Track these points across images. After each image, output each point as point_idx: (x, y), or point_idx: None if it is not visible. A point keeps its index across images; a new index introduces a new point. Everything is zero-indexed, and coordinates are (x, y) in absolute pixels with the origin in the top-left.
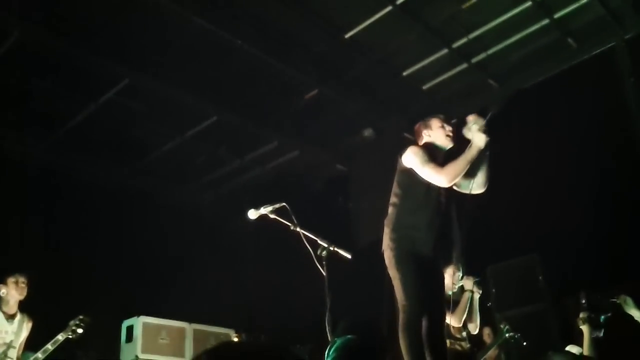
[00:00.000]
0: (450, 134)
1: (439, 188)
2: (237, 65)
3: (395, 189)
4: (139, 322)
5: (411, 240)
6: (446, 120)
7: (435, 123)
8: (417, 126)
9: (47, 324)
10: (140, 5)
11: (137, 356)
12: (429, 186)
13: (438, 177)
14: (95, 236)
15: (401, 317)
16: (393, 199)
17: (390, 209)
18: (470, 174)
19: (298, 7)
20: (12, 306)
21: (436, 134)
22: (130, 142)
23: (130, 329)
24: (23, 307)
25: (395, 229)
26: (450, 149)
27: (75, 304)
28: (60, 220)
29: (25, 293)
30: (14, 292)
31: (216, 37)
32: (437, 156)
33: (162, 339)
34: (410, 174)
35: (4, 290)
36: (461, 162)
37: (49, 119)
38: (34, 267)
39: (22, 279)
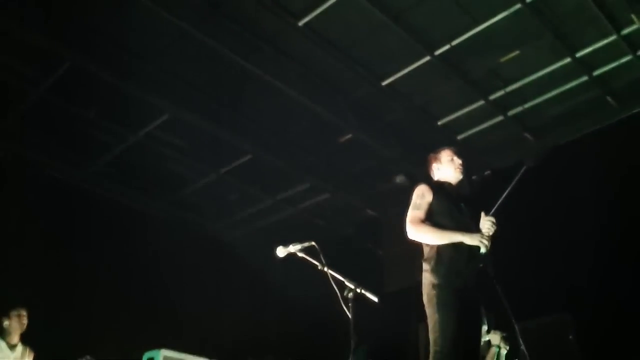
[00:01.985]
0: (460, 167)
1: (466, 221)
2: (276, 105)
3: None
4: (160, 356)
5: (454, 278)
6: (457, 152)
7: (445, 156)
8: (429, 157)
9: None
10: (185, 42)
11: None
12: (457, 221)
13: (409, 226)
14: (125, 265)
15: None
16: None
17: (427, 248)
18: None
19: (339, 52)
20: (14, 337)
21: (445, 167)
22: (166, 176)
23: None
24: (47, 337)
25: (437, 266)
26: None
27: (100, 333)
28: (91, 248)
29: (25, 325)
30: (15, 324)
31: (258, 78)
32: (445, 191)
33: None
34: (432, 211)
35: (6, 322)
36: (439, 235)
37: (91, 149)
38: (62, 294)
39: (23, 313)
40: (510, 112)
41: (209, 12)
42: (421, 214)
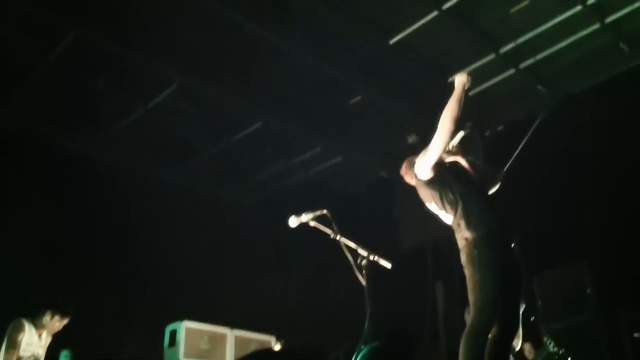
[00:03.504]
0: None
1: (478, 179)
2: (284, 68)
3: (442, 197)
4: (182, 327)
5: (490, 237)
6: None
7: None
8: None
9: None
10: (192, 9)
11: None
12: (468, 179)
13: (441, 131)
14: (139, 236)
15: (470, 323)
16: (448, 207)
17: (453, 213)
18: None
19: (345, 10)
20: (43, 331)
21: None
22: (177, 143)
23: (173, 334)
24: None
25: (471, 228)
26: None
27: (118, 307)
28: (103, 220)
29: (58, 330)
30: (51, 326)
31: (264, 41)
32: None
33: (204, 344)
34: (442, 177)
35: (47, 318)
36: (450, 103)
37: (100, 118)
38: (80, 266)
39: (64, 322)
40: (522, 65)
41: None
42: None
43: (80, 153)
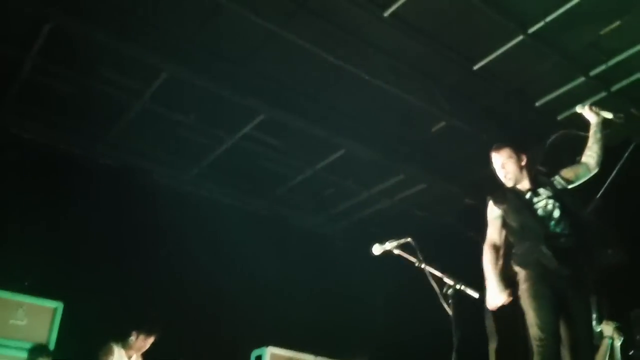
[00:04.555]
0: (505, 175)
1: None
2: (367, 98)
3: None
4: (268, 352)
5: (530, 263)
6: (493, 152)
7: (492, 161)
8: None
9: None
10: (272, 42)
11: None
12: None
13: (484, 247)
14: (229, 264)
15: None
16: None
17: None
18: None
19: (428, 39)
20: (132, 352)
21: (497, 173)
22: (263, 174)
23: (258, 359)
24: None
25: (519, 261)
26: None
27: (208, 332)
28: (196, 248)
29: (145, 348)
30: (138, 344)
31: (347, 72)
32: (505, 197)
33: None
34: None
35: (132, 338)
36: (485, 271)
37: (191, 152)
38: (169, 291)
39: (150, 340)
40: (614, 87)
41: (294, 10)
42: (492, 233)
43: (172, 186)
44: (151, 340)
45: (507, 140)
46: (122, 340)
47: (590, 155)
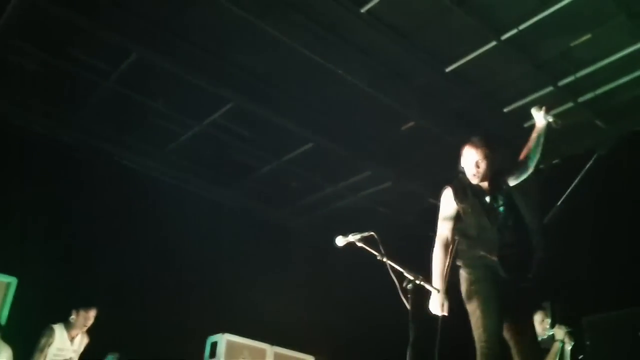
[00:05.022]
0: (476, 173)
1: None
2: (338, 93)
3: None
4: (223, 339)
5: (480, 266)
6: (477, 145)
7: (464, 154)
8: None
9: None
10: (247, 32)
11: None
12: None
13: (436, 242)
14: (188, 252)
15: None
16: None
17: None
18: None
19: (402, 39)
20: (76, 332)
21: (466, 168)
22: (229, 163)
23: (214, 345)
24: (111, 322)
25: (465, 261)
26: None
27: (164, 317)
28: (157, 234)
29: (88, 325)
30: (80, 321)
31: (319, 66)
32: (467, 195)
33: (243, 358)
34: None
35: (73, 317)
36: (434, 267)
37: (159, 137)
38: (126, 276)
39: (91, 314)
40: (581, 99)
41: (272, 2)
42: (445, 230)
43: (135, 170)
44: (92, 314)
45: (486, 139)
46: (64, 321)
47: (530, 158)
